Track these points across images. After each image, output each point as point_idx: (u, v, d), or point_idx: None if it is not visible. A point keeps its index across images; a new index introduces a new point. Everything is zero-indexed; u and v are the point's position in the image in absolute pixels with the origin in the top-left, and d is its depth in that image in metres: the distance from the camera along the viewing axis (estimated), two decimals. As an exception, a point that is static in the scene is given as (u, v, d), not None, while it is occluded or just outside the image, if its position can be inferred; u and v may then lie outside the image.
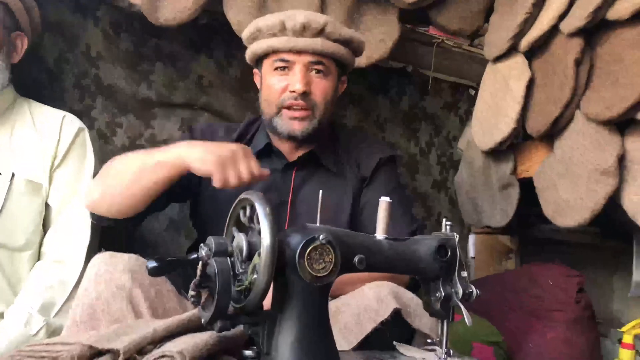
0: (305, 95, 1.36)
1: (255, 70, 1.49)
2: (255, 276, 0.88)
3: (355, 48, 1.44)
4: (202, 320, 0.90)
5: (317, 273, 0.93)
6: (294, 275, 0.92)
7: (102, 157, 1.81)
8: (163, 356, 0.82)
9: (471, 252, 2.34)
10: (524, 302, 1.89)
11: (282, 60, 1.36)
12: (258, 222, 0.90)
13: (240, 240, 0.93)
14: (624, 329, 1.78)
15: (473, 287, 1.07)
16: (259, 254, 0.88)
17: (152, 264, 0.82)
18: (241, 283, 0.89)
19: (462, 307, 1.05)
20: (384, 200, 1.06)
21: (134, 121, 1.88)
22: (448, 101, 2.40)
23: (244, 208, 0.96)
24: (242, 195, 0.96)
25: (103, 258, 1.16)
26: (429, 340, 1.11)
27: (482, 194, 2.00)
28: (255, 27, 1.39)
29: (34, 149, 1.45)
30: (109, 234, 1.49)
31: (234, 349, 0.97)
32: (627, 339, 1.76)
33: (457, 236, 1.09)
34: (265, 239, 0.88)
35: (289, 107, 1.38)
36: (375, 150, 1.51)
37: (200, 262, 0.86)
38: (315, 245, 0.93)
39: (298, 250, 0.92)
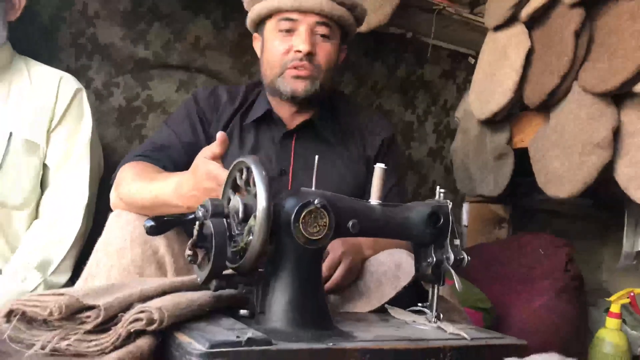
0: (310, 56, 1.34)
1: (255, 35, 1.47)
2: (250, 238, 0.90)
3: (358, 15, 1.43)
4: (198, 279, 0.92)
5: (311, 236, 0.95)
6: (288, 238, 0.94)
7: (99, 117, 1.82)
8: (142, 311, 0.84)
9: (464, 221, 2.36)
10: (512, 271, 1.92)
11: (287, 19, 1.34)
12: (254, 185, 0.91)
13: (237, 202, 0.94)
14: (611, 298, 1.82)
15: (464, 253, 1.09)
16: (255, 217, 0.90)
17: (150, 223, 0.83)
18: (237, 244, 0.91)
19: (453, 272, 1.07)
20: (380, 167, 1.08)
21: (131, 82, 1.88)
22: (446, 69, 2.39)
23: (241, 171, 0.97)
24: (239, 159, 0.97)
25: (138, 217, 1.17)
26: (419, 304, 1.14)
27: (476, 163, 2.02)
28: None
29: (32, 108, 1.45)
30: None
31: (228, 309, 0.99)
32: (615, 308, 1.79)
33: (450, 203, 1.11)
34: (261, 201, 0.89)
35: (292, 68, 1.36)
36: (377, 128, 1.51)
37: (196, 222, 0.87)
38: (310, 209, 0.94)
39: (293, 214, 0.93)
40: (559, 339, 1.75)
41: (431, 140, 2.40)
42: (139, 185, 1.20)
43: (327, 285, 1.21)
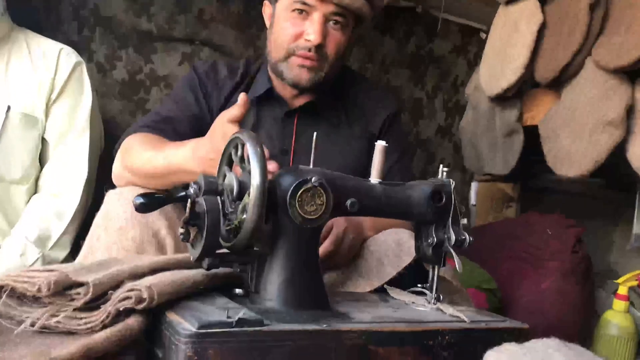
0: (319, 47, 1.29)
1: (266, 2, 1.41)
2: (244, 216, 0.87)
3: (375, 4, 1.38)
4: (191, 258, 0.91)
5: (308, 215, 0.92)
6: (284, 217, 0.91)
7: (102, 91, 1.80)
8: (132, 290, 0.82)
9: (472, 199, 2.33)
10: (520, 250, 1.89)
11: (304, 3, 1.28)
12: (249, 162, 0.89)
13: (231, 179, 0.92)
14: (619, 280, 1.79)
15: (466, 234, 1.06)
16: (249, 194, 0.87)
17: (139, 199, 0.81)
18: (230, 222, 0.89)
19: (453, 253, 1.04)
20: (380, 144, 1.05)
21: (134, 55, 1.85)
22: (457, 44, 2.33)
23: (236, 147, 0.95)
24: (234, 134, 0.94)
25: (137, 193, 1.13)
26: (419, 285, 1.12)
27: (485, 141, 1.97)
28: None
29: (30, 82, 1.43)
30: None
31: (224, 287, 0.98)
32: (622, 290, 1.77)
33: (453, 182, 1.08)
34: (255, 178, 0.86)
35: (298, 55, 1.31)
36: (381, 104, 1.48)
37: (188, 200, 0.85)
38: (307, 187, 0.92)
39: (289, 192, 0.91)
40: (565, 322, 1.72)
41: (440, 117, 2.35)
42: (150, 152, 1.18)
43: (335, 260, 1.19)
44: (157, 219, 1.13)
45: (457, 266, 1.04)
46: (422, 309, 1.06)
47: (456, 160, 2.35)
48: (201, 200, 0.88)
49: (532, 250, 1.87)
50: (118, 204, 1.15)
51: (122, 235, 1.11)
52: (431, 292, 1.08)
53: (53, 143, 1.44)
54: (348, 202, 0.97)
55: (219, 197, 0.91)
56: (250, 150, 0.89)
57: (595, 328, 1.82)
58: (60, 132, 1.44)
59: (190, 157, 1.10)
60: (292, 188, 0.91)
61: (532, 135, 1.86)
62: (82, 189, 1.42)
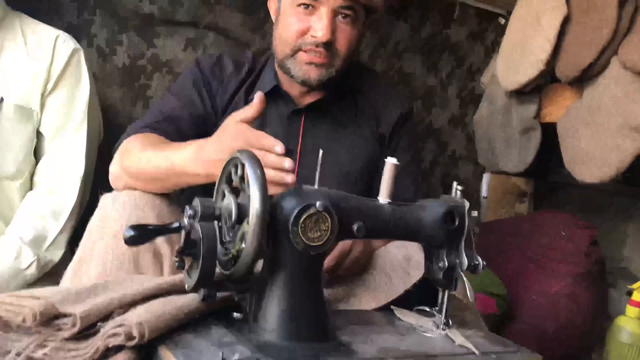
0: (328, 44, 1.21)
1: None
2: (243, 245, 0.81)
3: None
4: (186, 286, 0.85)
5: (311, 242, 0.86)
6: (286, 242, 0.85)
7: (102, 77, 1.73)
8: (122, 325, 0.77)
9: (484, 192, 2.26)
10: (530, 250, 1.83)
11: None
12: (249, 185, 0.82)
13: (229, 202, 0.86)
14: (634, 285, 1.73)
15: (479, 259, 1.00)
16: (248, 221, 0.81)
17: (129, 232, 0.75)
18: (228, 251, 0.83)
19: (465, 279, 0.99)
20: (391, 162, 0.98)
21: (136, 39, 1.76)
22: (474, 30, 2.23)
23: (236, 166, 0.88)
24: (233, 155, 0.88)
25: (133, 198, 1.08)
26: (427, 309, 1.07)
27: (500, 136, 1.90)
28: None
29: (25, 71, 1.36)
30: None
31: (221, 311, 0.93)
32: (636, 296, 1.71)
33: (468, 204, 1.01)
34: (255, 204, 0.80)
35: (306, 51, 1.23)
36: (393, 103, 1.40)
37: (183, 231, 0.79)
38: (310, 212, 0.86)
39: (292, 218, 0.85)
40: (576, 327, 1.68)
41: (454, 106, 2.27)
42: (150, 153, 1.11)
43: (339, 274, 1.14)
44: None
45: (468, 294, 0.99)
46: (430, 335, 1.01)
47: (468, 150, 2.28)
48: (197, 226, 0.83)
49: (542, 251, 1.81)
50: (113, 209, 1.09)
51: (117, 243, 1.05)
52: (440, 314, 1.02)
53: (49, 137, 1.38)
54: (355, 227, 0.91)
55: (216, 222, 0.85)
56: (249, 173, 0.82)
57: (607, 333, 1.77)
58: (56, 125, 1.38)
59: (194, 159, 1.03)
60: (294, 213, 0.85)
61: (550, 131, 1.78)
62: (79, 186, 1.37)
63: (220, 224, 0.85)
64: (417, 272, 1.14)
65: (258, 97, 0.99)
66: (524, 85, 1.72)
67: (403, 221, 0.97)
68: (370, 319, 1.07)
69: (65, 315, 0.81)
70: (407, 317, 1.08)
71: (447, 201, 1.01)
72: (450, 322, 1.02)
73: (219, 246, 0.84)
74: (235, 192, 0.89)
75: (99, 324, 0.81)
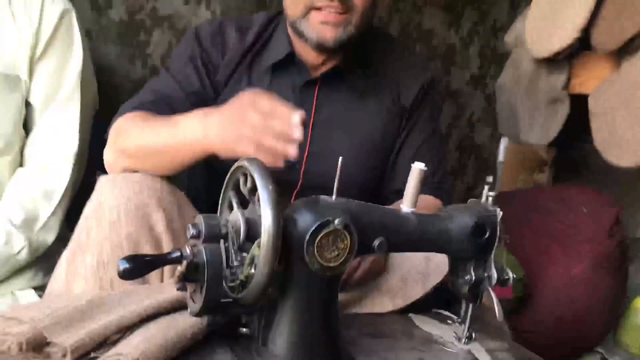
0: None
1: None
2: (252, 271, 0.72)
3: None
4: (189, 312, 0.77)
5: (328, 263, 0.77)
6: (299, 263, 0.76)
7: (97, 33, 1.59)
8: (118, 356, 0.70)
9: (500, 157, 2.13)
10: (551, 228, 1.74)
11: None
12: (259, 202, 0.73)
13: (237, 219, 0.76)
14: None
15: (510, 272, 0.92)
16: (259, 246, 0.72)
17: (124, 264, 0.66)
18: (235, 276, 0.74)
19: (493, 296, 0.90)
20: (417, 167, 0.87)
21: (133, -9, 1.62)
22: (500, -18, 2.06)
23: (245, 175, 0.78)
24: (239, 162, 0.77)
25: (132, 182, 0.98)
26: (449, 321, 0.99)
27: (524, 105, 1.77)
28: None
29: (10, 35, 1.22)
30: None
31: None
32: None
33: (501, 213, 0.91)
34: (267, 226, 0.71)
35: (319, 9, 1.11)
36: (415, 71, 1.29)
37: (184, 261, 0.70)
38: (328, 230, 0.76)
39: (307, 237, 0.75)
40: (594, 312, 1.61)
41: (474, 65, 2.12)
42: (149, 129, 1.01)
43: (351, 281, 1.05)
44: (153, 211, 0.98)
45: (496, 312, 0.91)
46: (451, 349, 0.93)
47: (487, 113, 2.15)
48: (201, 248, 0.73)
49: (563, 229, 1.72)
50: (111, 194, 0.99)
51: (114, 231, 0.96)
52: (463, 325, 0.95)
53: (39, 107, 1.26)
54: (376, 243, 0.81)
55: (222, 241, 0.76)
56: (260, 189, 0.72)
57: (623, 316, 1.72)
58: (46, 94, 1.26)
59: (199, 122, 0.94)
60: (310, 231, 0.75)
61: (578, 101, 1.65)
62: (72, 162, 1.26)
63: (226, 244, 0.75)
64: (437, 275, 1.06)
65: (299, 116, 0.85)
66: (555, 54, 1.58)
67: (428, 234, 0.87)
68: (386, 328, 0.99)
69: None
70: (425, 325, 1.01)
71: (477, 210, 0.91)
72: (474, 335, 0.95)
73: (224, 270, 0.75)
74: (243, 201, 0.79)
75: (92, 354, 0.74)
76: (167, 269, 0.98)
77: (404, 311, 1.05)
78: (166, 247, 1.00)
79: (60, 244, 1.11)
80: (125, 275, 0.65)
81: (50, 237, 1.24)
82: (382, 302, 1.07)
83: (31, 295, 1.20)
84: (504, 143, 2.19)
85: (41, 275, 1.23)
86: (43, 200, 1.23)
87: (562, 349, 1.66)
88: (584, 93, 1.62)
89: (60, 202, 1.25)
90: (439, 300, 1.07)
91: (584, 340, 1.67)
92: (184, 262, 0.70)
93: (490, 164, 2.14)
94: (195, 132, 0.94)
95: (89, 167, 1.32)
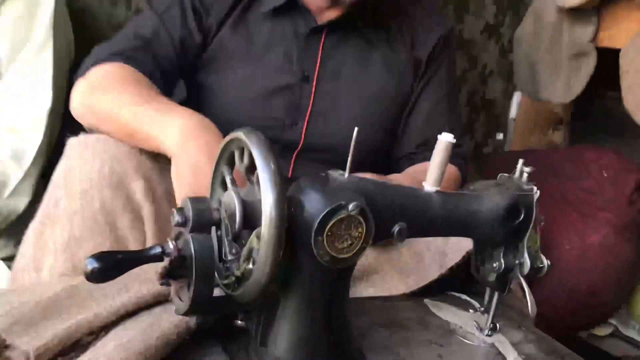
0: None
1: None
2: (251, 266, 0.60)
3: None
4: (175, 311, 0.65)
5: (339, 254, 0.65)
6: (305, 254, 0.64)
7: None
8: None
9: (513, 113, 2.01)
10: (569, 193, 1.63)
11: None
12: (259, 185, 0.60)
13: (232, 201, 0.63)
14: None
15: (545, 260, 0.80)
16: (258, 237, 0.59)
17: (92, 264, 0.53)
18: (230, 272, 0.62)
19: (525, 287, 0.80)
20: (444, 140, 0.74)
21: None
22: None
23: (241, 149, 0.65)
24: (233, 134, 0.64)
25: (106, 144, 0.86)
26: (471, 310, 0.88)
27: (546, 60, 1.62)
28: None
29: (-32, -27, 1.07)
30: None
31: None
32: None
33: (538, 192, 0.79)
34: (268, 213, 0.58)
35: None
36: (432, 22, 1.19)
37: (167, 259, 0.57)
38: (341, 217, 0.64)
39: (315, 225, 0.63)
40: (611, 284, 1.52)
41: (489, 12, 1.96)
42: (126, 105, 0.89)
43: None
44: (132, 179, 0.86)
45: (529, 306, 0.80)
46: (473, 342, 0.83)
47: (501, 65, 2.00)
48: (188, 238, 0.61)
49: (582, 194, 1.60)
50: (81, 158, 0.86)
51: (87, 202, 0.84)
52: (487, 314, 0.84)
53: (5, 59, 1.12)
54: (395, 229, 0.69)
55: (214, 228, 0.63)
56: (260, 170, 0.59)
57: (637, 287, 1.63)
58: (13, 43, 1.12)
59: (174, 144, 0.83)
60: (319, 218, 0.63)
61: (605, 57, 1.52)
62: (45, 121, 1.13)
63: (219, 232, 0.63)
64: (455, 254, 0.95)
65: None
66: (583, 3, 1.43)
67: (454, 217, 0.75)
68: (399, 317, 0.88)
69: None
70: (442, 311, 0.90)
71: (509, 189, 0.79)
72: (498, 326, 0.84)
73: (217, 262, 0.63)
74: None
75: (59, 359, 0.63)
76: (149, 231, 0.87)
77: (417, 293, 0.94)
78: (147, 218, 0.88)
79: (34, 211, 0.99)
80: (93, 277, 0.53)
81: (21, 204, 1.13)
82: (393, 281, 0.96)
83: (0, 267, 1.09)
84: (517, 99, 2.07)
85: (12, 245, 1.12)
86: (12, 163, 1.11)
87: (574, 320, 1.58)
88: (613, 47, 1.48)
89: (32, 165, 1.13)
90: (454, 280, 0.97)
91: (597, 311, 1.59)
92: (167, 260, 0.57)
93: (502, 121, 2.01)
94: (172, 139, 0.82)
95: (65, 125, 1.18)
